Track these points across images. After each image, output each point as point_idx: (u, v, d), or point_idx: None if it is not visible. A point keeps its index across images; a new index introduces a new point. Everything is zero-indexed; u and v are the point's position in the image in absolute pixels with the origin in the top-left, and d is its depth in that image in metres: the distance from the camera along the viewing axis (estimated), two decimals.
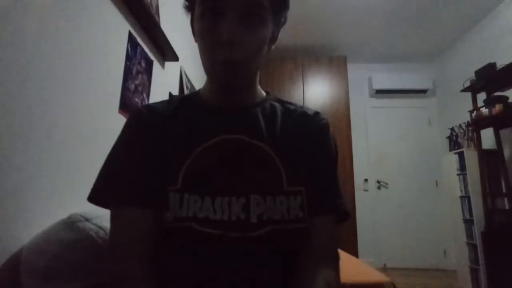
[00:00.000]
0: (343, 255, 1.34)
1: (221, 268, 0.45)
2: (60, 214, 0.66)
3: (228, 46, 0.47)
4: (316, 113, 0.60)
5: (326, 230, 0.51)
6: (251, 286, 0.46)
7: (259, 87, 0.62)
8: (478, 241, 2.55)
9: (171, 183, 0.48)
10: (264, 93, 0.63)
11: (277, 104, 0.60)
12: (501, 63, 2.47)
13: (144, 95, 1.34)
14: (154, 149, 0.51)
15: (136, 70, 1.25)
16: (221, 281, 0.45)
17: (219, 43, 0.47)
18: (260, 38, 0.50)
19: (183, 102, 0.59)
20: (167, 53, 1.54)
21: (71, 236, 0.59)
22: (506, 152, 2.64)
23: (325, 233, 0.51)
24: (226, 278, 0.45)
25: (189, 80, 2.07)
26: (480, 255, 2.52)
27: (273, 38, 0.56)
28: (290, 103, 0.62)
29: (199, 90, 0.63)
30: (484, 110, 2.57)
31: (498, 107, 2.45)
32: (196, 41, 0.55)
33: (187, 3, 0.55)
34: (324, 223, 0.51)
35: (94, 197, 0.49)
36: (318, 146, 0.56)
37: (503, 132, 2.66)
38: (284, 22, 0.58)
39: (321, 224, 0.51)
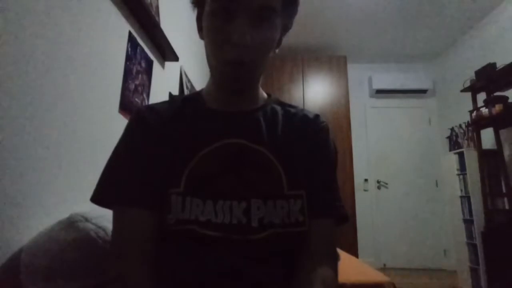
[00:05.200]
0: (343, 255, 1.34)
1: (222, 270, 0.45)
2: (60, 214, 0.66)
3: (237, 47, 0.47)
4: (317, 116, 0.60)
5: (325, 232, 0.52)
6: (251, 284, 0.46)
7: (261, 89, 0.62)
8: (478, 241, 2.55)
9: (173, 186, 0.48)
10: (265, 95, 0.63)
11: (278, 108, 0.60)
12: (501, 63, 2.47)
13: (144, 95, 1.34)
14: (156, 151, 0.51)
15: (136, 70, 1.25)
16: (221, 283, 0.45)
17: (228, 43, 0.47)
18: (269, 41, 0.51)
19: (185, 103, 0.58)
20: (167, 53, 1.54)
21: (71, 236, 0.59)
22: (506, 152, 2.64)
23: (324, 235, 0.52)
24: (227, 280, 0.45)
25: (189, 80, 2.07)
26: (480, 255, 2.52)
27: (278, 43, 0.57)
28: (291, 106, 0.62)
29: (201, 90, 0.62)
30: (484, 110, 2.57)
31: (498, 107, 2.45)
32: (201, 37, 0.55)
33: None
34: (323, 225, 0.52)
35: (97, 198, 0.49)
36: (317, 149, 0.56)
37: (503, 132, 2.66)
38: (290, 28, 0.58)
39: (320, 226, 0.52)
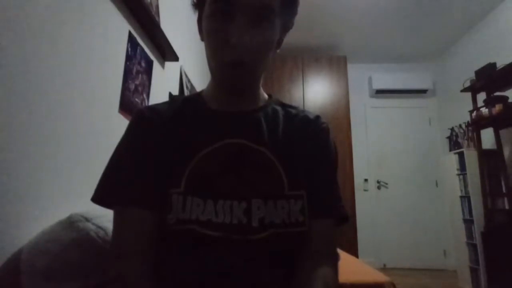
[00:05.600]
0: (343, 255, 1.34)
1: (222, 270, 0.45)
2: (60, 214, 0.66)
3: (237, 47, 0.47)
4: (317, 117, 0.60)
5: (326, 232, 0.52)
6: (252, 285, 0.46)
7: (262, 90, 0.62)
8: (478, 241, 2.55)
9: (174, 186, 0.48)
10: (266, 96, 0.63)
11: (279, 108, 0.61)
12: (501, 63, 2.47)
13: (144, 95, 1.34)
14: (157, 151, 0.51)
15: (136, 70, 1.25)
16: (221, 284, 0.45)
17: (227, 44, 0.47)
18: (268, 41, 0.51)
19: (186, 103, 0.58)
20: (167, 53, 1.54)
21: (71, 236, 0.59)
22: (506, 152, 2.64)
23: (325, 235, 0.52)
24: (227, 280, 0.45)
25: (189, 80, 2.07)
26: (480, 255, 2.53)
27: (279, 43, 0.57)
28: (291, 107, 0.62)
29: (201, 91, 0.62)
30: (484, 110, 2.57)
31: (498, 107, 2.45)
32: (202, 39, 0.55)
33: (195, 1, 0.55)
34: (324, 225, 0.52)
35: (98, 198, 0.49)
36: (318, 150, 0.57)
37: (503, 132, 2.66)
38: (291, 27, 0.58)
39: (321, 226, 0.52)
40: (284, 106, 0.62)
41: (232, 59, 0.48)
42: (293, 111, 0.61)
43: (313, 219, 0.51)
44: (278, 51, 0.59)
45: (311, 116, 0.60)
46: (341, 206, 0.55)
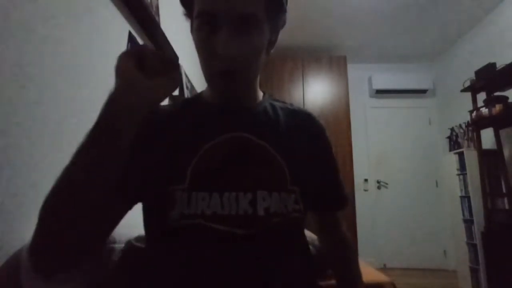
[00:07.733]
0: None
1: (228, 263, 0.46)
2: None
3: (224, 57, 0.47)
4: (310, 114, 0.64)
5: (336, 220, 0.68)
6: (257, 280, 0.47)
7: (259, 90, 0.63)
8: (478, 241, 2.55)
9: (178, 183, 0.48)
10: (261, 93, 0.64)
11: (276, 104, 0.62)
12: (501, 63, 2.47)
13: None
14: (159, 150, 0.51)
15: None
16: (227, 277, 0.46)
17: (215, 55, 0.47)
18: (256, 46, 0.51)
19: (186, 103, 0.60)
20: (167, 53, 1.54)
21: None
22: (506, 152, 2.64)
23: (335, 222, 0.68)
24: (232, 273, 0.46)
25: (189, 80, 2.07)
26: (480, 255, 2.52)
27: (271, 43, 0.57)
28: (285, 103, 0.65)
29: (201, 92, 0.63)
30: (484, 110, 2.57)
31: (498, 107, 2.45)
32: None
33: (186, 11, 0.56)
34: (333, 215, 0.67)
35: None
36: (318, 146, 0.60)
37: (503, 132, 2.66)
38: (283, 25, 0.58)
39: (331, 217, 0.67)
40: (278, 102, 0.64)
41: (221, 69, 0.49)
42: (290, 107, 0.63)
43: (327, 211, 0.66)
44: (272, 50, 0.59)
45: (306, 112, 0.64)
46: (345, 197, 0.68)
